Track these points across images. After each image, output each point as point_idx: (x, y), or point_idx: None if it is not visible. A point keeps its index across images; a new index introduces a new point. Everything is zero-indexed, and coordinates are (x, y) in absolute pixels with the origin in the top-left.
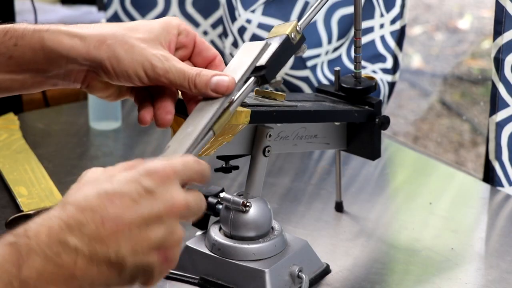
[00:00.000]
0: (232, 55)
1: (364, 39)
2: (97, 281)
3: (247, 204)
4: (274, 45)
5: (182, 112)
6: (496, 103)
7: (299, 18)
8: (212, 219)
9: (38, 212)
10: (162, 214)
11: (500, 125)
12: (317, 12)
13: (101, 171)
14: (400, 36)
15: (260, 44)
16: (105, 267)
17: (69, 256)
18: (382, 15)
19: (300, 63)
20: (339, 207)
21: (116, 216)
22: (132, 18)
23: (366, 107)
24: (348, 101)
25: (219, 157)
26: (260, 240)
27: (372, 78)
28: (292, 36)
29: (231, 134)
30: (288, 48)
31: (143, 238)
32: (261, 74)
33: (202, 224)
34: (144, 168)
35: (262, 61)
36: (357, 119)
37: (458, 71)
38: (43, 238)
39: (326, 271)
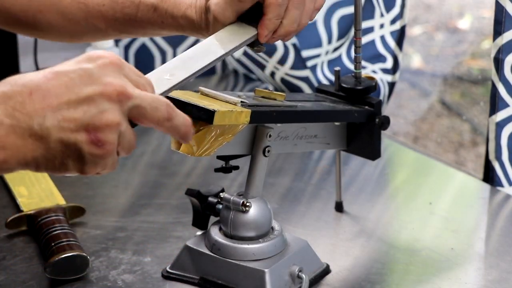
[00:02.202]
0: (232, 56)
1: (364, 39)
2: (22, 154)
3: (247, 204)
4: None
5: None
6: (496, 103)
7: None
8: (212, 219)
9: (38, 212)
10: (95, 95)
11: (500, 125)
12: None
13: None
14: (400, 36)
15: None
16: (29, 139)
17: None
18: (382, 15)
19: (300, 63)
20: (339, 207)
21: (45, 90)
22: None
23: (366, 107)
24: (348, 101)
25: (219, 157)
26: (260, 240)
27: (372, 78)
28: None
29: (231, 134)
30: None
31: (70, 115)
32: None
33: (202, 224)
34: (92, 53)
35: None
36: (357, 119)
37: (458, 71)
38: None
39: (326, 271)
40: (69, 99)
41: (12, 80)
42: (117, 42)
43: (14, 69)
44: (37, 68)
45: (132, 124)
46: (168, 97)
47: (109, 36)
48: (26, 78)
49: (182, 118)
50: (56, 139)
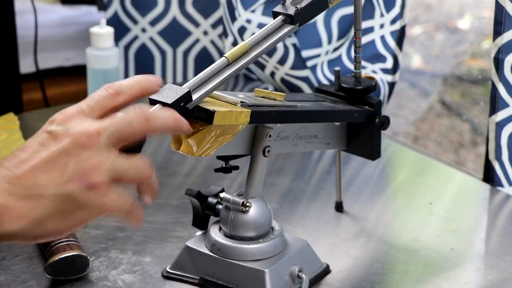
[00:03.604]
0: None
1: (364, 39)
2: (22, 215)
3: (247, 204)
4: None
5: None
6: (496, 103)
7: None
8: (212, 219)
9: None
10: (68, 147)
11: (500, 125)
12: None
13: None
14: (400, 36)
15: None
16: (27, 200)
17: None
18: (382, 15)
19: (300, 63)
20: (339, 207)
21: (30, 160)
22: (132, 18)
23: (366, 107)
24: (348, 101)
25: (219, 157)
26: (260, 240)
27: (372, 78)
28: None
29: (231, 134)
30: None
31: (58, 171)
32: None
33: (202, 224)
34: (52, 117)
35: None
36: (357, 119)
37: (458, 71)
38: None
39: (326, 271)
40: (49, 161)
41: None
42: (117, 43)
43: (14, 69)
44: (37, 68)
45: (133, 148)
46: None
47: None
48: (5, 156)
49: (163, 114)
50: (50, 193)
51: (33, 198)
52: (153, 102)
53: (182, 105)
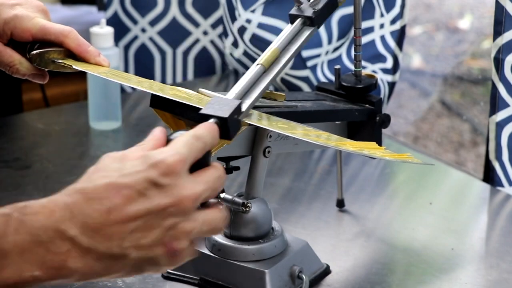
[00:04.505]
0: (232, 55)
1: (364, 39)
2: (93, 271)
3: (247, 204)
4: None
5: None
6: (496, 103)
7: None
8: None
9: None
10: (168, 207)
11: (500, 125)
12: None
13: (115, 157)
14: (400, 36)
15: None
16: (106, 260)
17: (64, 244)
18: (382, 15)
19: (300, 63)
20: (340, 204)
21: (122, 208)
22: (132, 18)
23: (367, 105)
24: (348, 100)
25: (219, 158)
26: (260, 240)
27: (372, 76)
28: None
29: None
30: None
31: (148, 232)
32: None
33: None
34: (150, 158)
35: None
36: (357, 118)
37: (458, 71)
38: (42, 220)
39: (326, 271)
40: (145, 215)
41: (83, 190)
42: (117, 42)
43: None
44: None
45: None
46: (167, 99)
47: None
48: (97, 189)
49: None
50: (134, 257)
51: (113, 260)
52: (204, 117)
53: (235, 117)
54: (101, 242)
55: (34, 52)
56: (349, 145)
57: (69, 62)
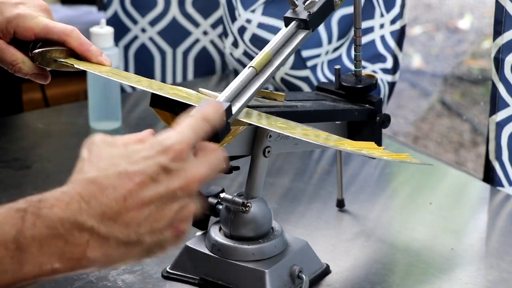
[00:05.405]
0: (232, 55)
1: (364, 39)
2: (111, 259)
3: (247, 204)
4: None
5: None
6: (496, 103)
7: None
8: (212, 219)
9: None
10: (177, 190)
11: (500, 125)
12: None
13: (113, 143)
14: (400, 36)
15: None
16: (124, 247)
17: (82, 236)
18: (382, 15)
19: (300, 63)
20: (340, 204)
21: (137, 194)
22: (132, 18)
23: (367, 105)
24: (348, 100)
25: None
26: (260, 240)
27: (372, 76)
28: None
29: (231, 136)
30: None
31: (160, 216)
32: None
33: (202, 224)
34: (159, 144)
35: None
36: (358, 118)
37: (458, 71)
38: (58, 213)
39: (326, 271)
40: (158, 200)
41: (96, 180)
42: (117, 42)
43: None
44: None
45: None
46: (167, 98)
47: None
48: (110, 178)
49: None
50: (148, 241)
51: (130, 246)
52: None
53: (224, 119)
54: (119, 230)
55: (36, 51)
56: (348, 145)
57: (71, 61)
